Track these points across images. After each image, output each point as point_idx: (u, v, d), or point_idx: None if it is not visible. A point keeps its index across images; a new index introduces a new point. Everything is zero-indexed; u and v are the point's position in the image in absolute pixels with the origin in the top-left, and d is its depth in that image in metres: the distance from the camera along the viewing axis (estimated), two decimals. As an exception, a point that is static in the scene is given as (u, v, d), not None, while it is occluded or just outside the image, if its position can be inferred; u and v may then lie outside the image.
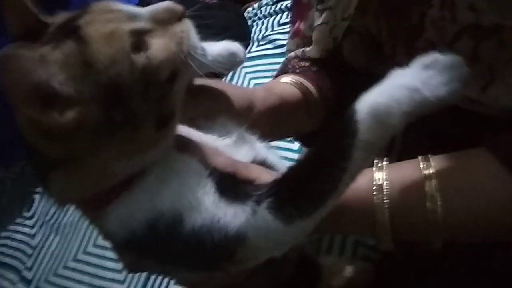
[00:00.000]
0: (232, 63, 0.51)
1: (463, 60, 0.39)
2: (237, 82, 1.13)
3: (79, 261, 1.04)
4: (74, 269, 1.04)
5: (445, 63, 0.39)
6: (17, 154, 1.21)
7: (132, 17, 0.38)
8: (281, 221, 0.38)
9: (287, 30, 1.16)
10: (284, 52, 1.10)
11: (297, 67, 0.67)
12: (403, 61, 0.57)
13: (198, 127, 0.46)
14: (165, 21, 0.39)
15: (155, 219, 0.39)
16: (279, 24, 1.21)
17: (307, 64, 0.67)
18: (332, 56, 0.65)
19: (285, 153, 0.86)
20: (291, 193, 0.39)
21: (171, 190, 0.39)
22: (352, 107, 0.39)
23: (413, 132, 0.51)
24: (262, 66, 1.13)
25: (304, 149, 0.84)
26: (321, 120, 0.65)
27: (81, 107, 0.35)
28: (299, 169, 0.41)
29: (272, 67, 1.10)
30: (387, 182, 0.44)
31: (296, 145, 0.87)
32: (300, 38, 0.72)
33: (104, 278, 0.98)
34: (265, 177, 0.42)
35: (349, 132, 0.38)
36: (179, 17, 0.40)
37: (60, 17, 0.39)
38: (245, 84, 1.12)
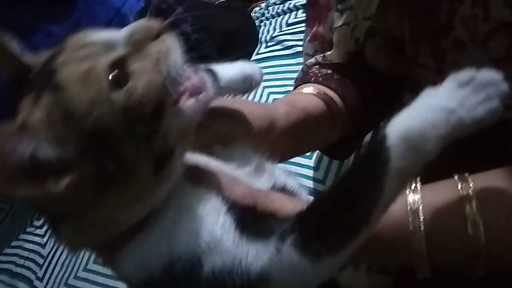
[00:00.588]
0: (247, 86, 0.48)
1: (502, 76, 0.36)
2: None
3: (90, 270, 1.03)
4: (85, 279, 1.02)
5: (482, 80, 0.35)
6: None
7: (109, 45, 0.35)
8: (308, 259, 0.35)
9: (296, 30, 1.14)
10: (294, 53, 1.09)
11: (319, 75, 0.64)
12: (427, 62, 0.55)
13: (214, 153, 0.44)
14: (141, 42, 0.36)
15: (171, 262, 0.36)
16: (288, 24, 1.18)
17: (329, 71, 0.64)
18: (355, 60, 0.63)
19: (300, 170, 0.82)
20: (317, 228, 0.36)
21: (186, 230, 0.37)
22: (381, 131, 0.35)
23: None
24: (271, 68, 1.10)
25: (321, 165, 0.82)
26: (347, 129, 0.62)
27: (73, 169, 0.33)
28: (326, 201, 0.38)
29: (281, 69, 1.08)
30: (422, 206, 0.41)
31: (312, 162, 0.84)
32: (319, 42, 0.69)
33: (115, 289, 0.97)
34: (288, 205, 0.40)
35: (380, 160, 0.35)
36: (156, 35, 0.36)
37: (41, 57, 0.37)
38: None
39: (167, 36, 0.37)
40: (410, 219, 0.40)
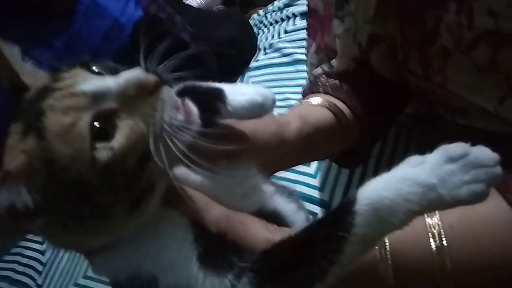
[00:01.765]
0: (254, 115, 0.47)
1: (497, 158, 0.34)
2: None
3: (90, 278, 1.03)
4: (84, 286, 1.02)
5: (474, 159, 0.34)
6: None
7: (99, 97, 0.35)
8: None
9: (295, 37, 1.14)
10: (292, 61, 1.10)
11: (328, 85, 0.64)
12: (415, 69, 0.56)
13: (215, 170, 0.42)
14: (134, 97, 0.35)
15: (133, 277, 0.38)
16: (286, 32, 1.18)
17: (337, 82, 0.64)
18: (361, 68, 0.63)
19: (301, 178, 0.83)
20: (274, 273, 0.36)
21: (150, 254, 0.38)
22: (353, 193, 0.35)
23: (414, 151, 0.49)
24: (269, 75, 1.11)
25: (321, 173, 0.82)
26: (356, 139, 0.63)
27: (48, 210, 0.34)
28: (289, 247, 0.37)
29: (280, 76, 1.09)
30: (388, 235, 0.40)
31: (312, 169, 0.84)
32: (325, 52, 0.69)
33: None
34: (263, 234, 0.39)
35: (344, 224, 0.34)
36: (151, 91, 0.36)
37: (37, 80, 0.38)
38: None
39: (162, 92, 0.36)
40: (376, 247, 0.41)
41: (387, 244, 0.41)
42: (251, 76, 1.13)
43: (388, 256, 0.40)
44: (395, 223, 0.34)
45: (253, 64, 1.17)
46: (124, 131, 0.34)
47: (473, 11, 0.44)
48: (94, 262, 0.40)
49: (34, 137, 0.34)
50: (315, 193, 0.81)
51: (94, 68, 0.38)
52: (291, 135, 0.53)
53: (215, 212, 0.40)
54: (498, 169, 0.34)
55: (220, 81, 1.17)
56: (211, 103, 0.42)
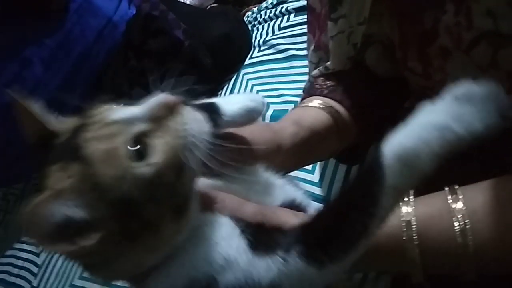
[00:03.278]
0: (250, 120, 0.51)
1: (501, 88, 0.36)
2: (239, 89, 1.11)
3: (86, 279, 1.02)
4: (80, 287, 1.02)
5: (480, 94, 0.35)
6: (20, 171, 1.20)
7: (130, 122, 0.38)
8: (313, 266, 0.38)
9: (289, 34, 1.14)
10: (287, 57, 1.09)
11: (325, 87, 0.65)
12: (415, 67, 0.56)
13: (224, 176, 0.45)
14: (161, 117, 0.39)
15: (191, 285, 0.39)
16: (280, 28, 1.18)
17: (333, 83, 0.65)
18: (357, 67, 0.64)
19: (299, 173, 0.82)
20: (320, 239, 0.38)
21: (203, 257, 0.39)
22: (378, 149, 0.37)
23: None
24: (264, 72, 1.10)
25: (318, 169, 0.82)
26: (354, 139, 0.64)
27: (100, 229, 0.36)
28: (327, 214, 0.40)
29: (274, 73, 1.08)
30: (415, 217, 0.43)
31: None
32: (323, 51, 0.70)
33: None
34: (293, 220, 0.41)
35: (376, 177, 0.36)
36: (175, 110, 0.39)
37: (64, 125, 0.40)
38: (247, 91, 1.09)
39: (184, 109, 0.40)
40: (404, 229, 0.43)
41: (414, 226, 0.43)
42: (246, 73, 1.13)
43: (415, 237, 0.42)
44: (423, 167, 0.36)
45: (248, 61, 1.16)
46: (159, 148, 0.37)
47: (472, 12, 0.44)
48: (147, 285, 0.40)
49: (78, 164, 0.36)
50: (313, 189, 0.81)
51: (118, 103, 0.41)
52: (287, 140, 0.55)
53: (249, 208, 0.43)
54: (505, 97, 0.35)
55: (215, 78, 1.16)
56: (208, 117, 0.43)
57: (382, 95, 0.66)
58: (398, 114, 0.72)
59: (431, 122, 0.36)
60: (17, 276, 1.14)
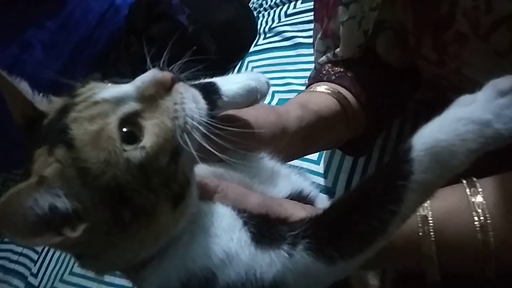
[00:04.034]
0: (252, 100, 0.47)
1: None
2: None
3: (85, 266, 1.02)
4: (80, 275, 1.01)
5: None
6: (20, 157, 1.19)
7: (119, 101, 0.35)
8: (322, 262, 0.35)
9: (295, 21, 1.11)
10: (293, 44, 1.07)
11: (332, 73, 0.63)
12: (429, 54, 0.54)
13: (230, 162, 0.42)
14: (154, 96, 0.36)
15: (188, 279, 0.37)
16: (287, 15, 1.15)
17: (342, 69, 0.63)
18: (367, 55, 0.62)
19: (304, 164, 0.80)
20: (331, 233, 0.36)
21: (202, 249, 0.37)
22: (408, 142, 0.34)
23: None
24: (270, 59, 1.08)
25: (324, 160, 0.80)
26: (361, 127, 0.62)
27: (88, 218, 0.34)
28: (343, 208, 0.37)
29: (280, 61, 1.06)
30: (431, 213, 0.41)
31: (315, 155, 0.81)
32: (331, 38, 0.67)
33: (111, 284, 0.95)
34: (300, 213, 0.40)
35: (402, 172, 0.34)
36: (169, 87, 0.36)
37: (53, 104, 0.38)
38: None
39: (179, 87, 0.37)
40: (420, 225, 0.41)
41: (430, 221, 0.41)
42: (251, 61, 1.10)
43: (432, 233, 0.40)
44: (456, 164, 0.33)
45: (253, 48, 1.14)
46: (152, 130, 0.35)
47: None
48: (143, 279, 0.38)
49: (63, 148, 0.34)
50: (318, 180, 0.79)
51: (107, 82, 0.38)
52: (292, 124, 0.53)
53: (253, 199, 0.41)
54: None
55: (219, 66, 1.13)
56: (206, 98, 0.41)
57: (392, 84, 0.64)
58: (406, 106, 0.71)
59: (469, 116, 0.33)
60: (16, 262, 1.13)
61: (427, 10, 0.50)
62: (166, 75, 0.36)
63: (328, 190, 0.78)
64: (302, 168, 0.79)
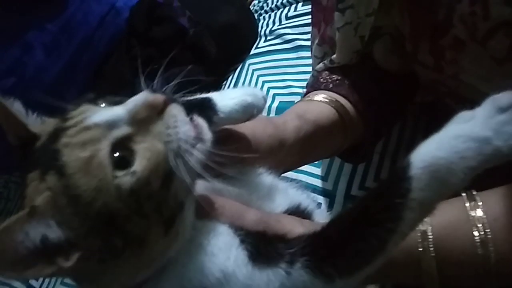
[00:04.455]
0: (248, 116, 0.47)
1: None
2: (244, 79, 1.09)
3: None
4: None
5: None
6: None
7: (111, 125, 0.35)
8: (320, 280, 0.35)
9: (296, 24, 1.11)
10: (293, 47, 1.07)
11: (330, 81, 0.63)
12: (426, 60, 0.54)
13: (226, 178, 0.42)
14: (146, 119, 0.35)
15: None
16: (287, 18, 1.15)
17: (339, 77, 0.63)
18: (364, 61, 0.62)
19: (305, 167, 0.80)
20: (330, 251, 0.36)
21: (198, 268, 0.37)
22: (406, 159, 0.34)
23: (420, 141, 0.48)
24: (271, 62, 1.08)
25: (324, 163, 0.80)
26: (359, 135, 0.61)
27: (81, 246, 0.33)
28: (341, 225, 0.37)
29: (281, 63, 1.06)
30: (431, 227, 0.41)
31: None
32: (328, 44, 0.67)
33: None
34: (298, 229, 0.39)
35: (400, 189, 0.33)
36: (161, 110, 0.36)
37: (46, 126, 0.37)
38: (253, 81, 1.07)
39: (172, 109, 0.36)
40: (419, 240, 0.40)
41: (430, 236, 0.40)
42: (251, 64, 1.10)
43: (431, 248, 0.40)
44: (455, 182, 0.33)
45: (254, 50, 1.14)
46: (143, 154, 0.34)
47: (489, 1, 0.42)
48: None
49: (54, 174, 0.34)
50: (319, 183, 0.79)
51: (100, 103, 0.38)
52: (290, 135, 0.53)
53: (251, 216, 0.40)
54: None
55: (220, 68, 1.13)
56: (202, 114, 0.41)
57: (388, 92, 0.64)
58: (406, 111, 0.71)
59: (468, 133, 0.33)
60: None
61: (424, 16, 0.50)
62: (158, 98, 0.36)
63: (328, 193, 0.78)
64: (302, 171, 0.79)
